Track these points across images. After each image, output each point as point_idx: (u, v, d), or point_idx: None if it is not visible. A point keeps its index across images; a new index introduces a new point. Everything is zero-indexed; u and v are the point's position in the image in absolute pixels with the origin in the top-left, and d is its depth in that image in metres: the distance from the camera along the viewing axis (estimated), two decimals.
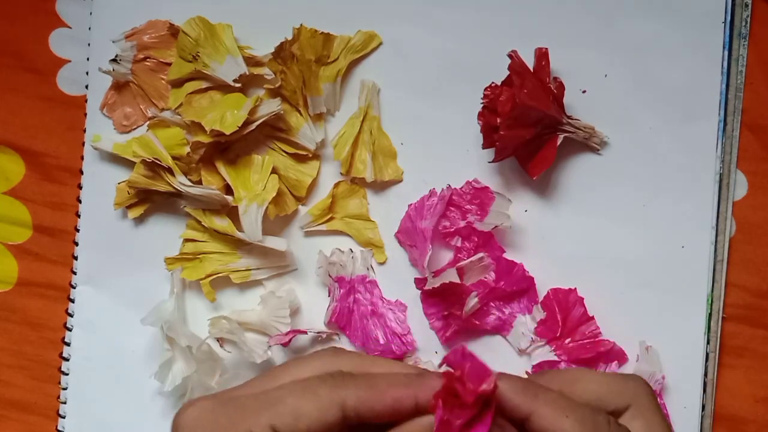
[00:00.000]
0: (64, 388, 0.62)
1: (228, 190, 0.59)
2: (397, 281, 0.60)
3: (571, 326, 0.58)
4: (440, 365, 0.54)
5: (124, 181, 0.60)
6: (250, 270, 0.60)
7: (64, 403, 0.62)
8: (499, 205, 0.57)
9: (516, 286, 0.58)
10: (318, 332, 0.59)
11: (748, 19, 0.58)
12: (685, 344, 0.58)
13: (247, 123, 0.57)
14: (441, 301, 0.58)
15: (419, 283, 0.58)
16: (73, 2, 0.62)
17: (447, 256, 0.59)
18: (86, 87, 0.62)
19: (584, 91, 0.58)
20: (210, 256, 0.60)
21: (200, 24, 0.59)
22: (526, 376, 0.47)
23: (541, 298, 0.58)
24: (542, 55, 0.56)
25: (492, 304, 0.58)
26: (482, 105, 0.56)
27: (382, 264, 0.60)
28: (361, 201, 0.60)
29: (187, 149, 0.58)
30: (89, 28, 0.62)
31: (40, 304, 0.63)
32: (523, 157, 0.57)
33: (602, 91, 0.58)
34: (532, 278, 0.58)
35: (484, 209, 0.58)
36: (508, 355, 0.59)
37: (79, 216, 0.62)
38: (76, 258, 0.62)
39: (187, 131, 0.60)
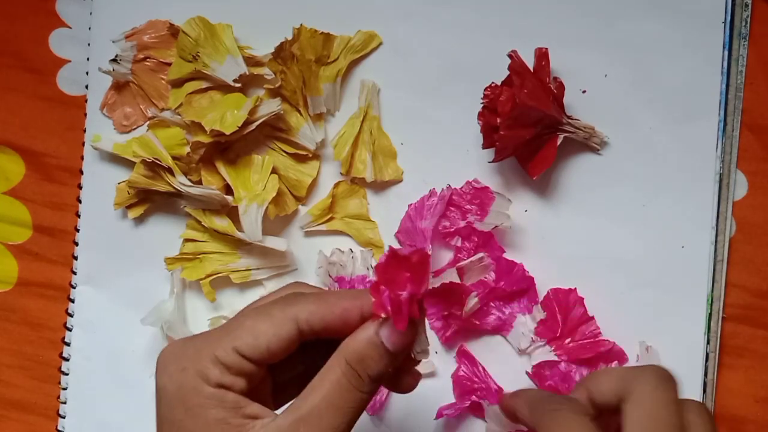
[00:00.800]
0: (64, 388, 0.62)
1: (228, 190, 0.59)
2: None
3: (572, 326, 0.58)
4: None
5: (124, 181, 0.60)
6: (250, 270, 0.60)
7: (64, 403, 0.62)
8: (499, 205, 0.57)
9: (516, 286, 0.58)
10: None
11: (748, 19, 0.58)
12: (685, 344, 0.58)
13: (247, 123, 0.57)
14: (441, 301, 0.58)
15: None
16: (73, 2, 0.62)
17: (447, 256, 0.59)
18: (86, 87, 0.62)
19: (584, 91, 0.58)
20: (210, 256, 0.60)
21: (200, 24, 0.59)
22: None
23: (541, 298, 0.58)
24: (542, 55, 0.56)
25: (492, 304, 0.58)
26: (482, 105, 0.56)
27: None
28: (361, 201, 0.60)
29: (187, 149, 0.58)
30: (89, 28, 0.62)
31: (40, 304, 0.63)
32: (523, 157, 0.57)
33: (602, 91, 0.58)
34: (532, 278, 0.58)
35: (484, 209, 0.58)
36: (508, 355, 0.59)
37: (79, 216, 0.62)
38: (76, 258, 0.62)
39: (187, 131, 0.60)
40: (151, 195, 0.60)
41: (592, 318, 0.58)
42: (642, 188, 0.58)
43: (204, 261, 0.60)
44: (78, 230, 0.62)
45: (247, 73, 0.58)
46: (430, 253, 0.41)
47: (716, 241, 0.58)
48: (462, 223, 0.58)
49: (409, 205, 0.59)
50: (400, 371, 0.44)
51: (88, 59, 0.62)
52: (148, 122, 0.61)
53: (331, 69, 0.59)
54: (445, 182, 0.58)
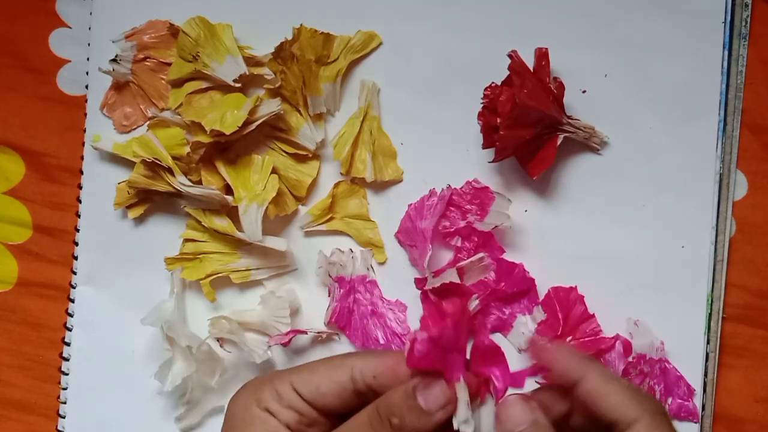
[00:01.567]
0: (64, 388, 0.62)
1: (228, 190, 0.59)
2: (397, 281, 0.60)
3: (572, 324, 0.58)
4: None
5: (124, 181, 0.60)
6: (250, 270, 0.60)
7: (64, 403, 0.62)
8: (499, 205, 0.57)
9: (516, 288, 0.58)
10: (318, 332, 0.59)
11: (748, 19, 0.58)
12: (685, 344, 0.58)
13: (247, 123, 0.57)
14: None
15: (419, 283, 0.58)
16: (73, 2, 0.62)
17: (447, 256, 0.59)
18: (86, 87, 0.62)
19: (584, 91, 0.58)
20: (210, 256, 0.60)
21: (200, 24, 0.59)
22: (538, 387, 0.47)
23: (541, 297, 0.58)
24: (542, 55, 0.56)
25: (492, 304, 0.58)
26: (482, 105, 0.56)
27: (382, 264, 0.60)
28: (361, 201, 0.60)
29: (187, 149, 0.58)
30: (89, 28, 0.62)
31: (40, 304, 0.63)
32: (523, 157, 0.57)
33: (602, 91, 0.58)
34: (533, 279, 0.58)
35: (484, 209, 0.58)
36: (508, 354, 0.58)
37: (79, 216, 0.62)
38: (76, 258, 0.62)
39: (187, 131, 0.60)
40: (151, 195, 0.60)
41: (593, 316, 0.58)
42: (642, 188, 0.58)
43: (204, 261, 0.60)
44: (78, 230, 0.62)
45: (247, 73, 0.58)
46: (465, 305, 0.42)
47: (716, 241, 0.58)
48: (462, 223, 0.58)
49: (409, 205, 0.59)
50: None
51: (88, 59, 0.62)
52: (148, 122, 0.61)
53: (331, 69, 0.59)
54: (445, 182, 0.58)
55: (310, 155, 0.60)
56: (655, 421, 0.41)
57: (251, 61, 0.59)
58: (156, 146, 0.59)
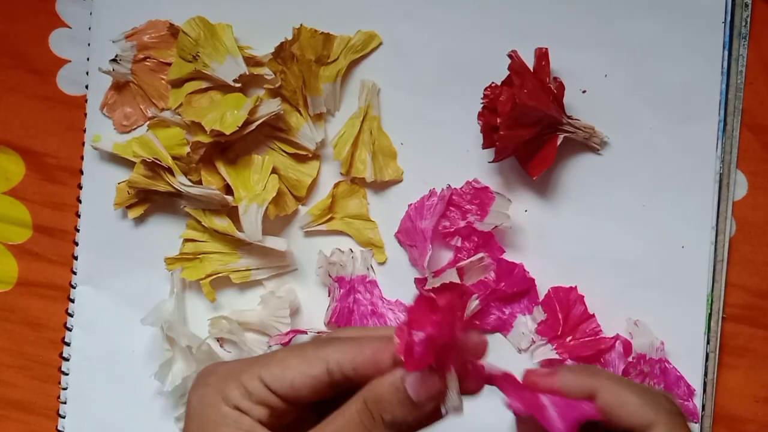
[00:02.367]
0: (64, 388, 0.62)
1: (228, 190, 0.59)
2: (397, 281, 0.60)
3: (572, 324, 0.58)
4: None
5: (124, 181, 0.60)
6: (250, 270, 0.60)
7: (64, 403, 0.62)
8: (499, 205, 0.57)
9: (516, 288, 0.58)
10: (318, 332, 0.59)
11: (748, 19, 0.58)
12: (685, 344, 0.58)
13: (247, 123, 0.57)
14: None
15: (419, 283, 0.58)
16: (73, 2, 0.62)
17: (447, 256, 0.59)
18: (86, 87, 0.62)
19: (584, 91, 0.58)
20: (210, 256, 0.60)
21: (200, 24, 0.59)
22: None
23: (541, 297, 0.58)
24: (542, 55, 0.56)
25: (492, 304, 0.58)
26: (482, 105, 0.56)
27: (382, 264, 0.60)
28: (361, 201, 0.60)
29: (187, 149, 0.58)
30: (89, 28, 0.62)
31: (40, 304, 0.63)
32: (523, 157, 0.57)
33: (602, 91, 0.58)
34: (533, 279, 0.58)
35: (484, 209, 0.58)
36: (508, 353, 0.59)
37: (79, 216, 0.62)
38: (76, 258, 0.62)
39: (187, 131, 0.60)
40: (151, 195, 0.60)
41: (593, 316, 0.58)
42: (642, 188, 0.58)
43: (204, 261, 0.60)
44: (78, 230, 0.62)
45: (247, 73, 0.58)
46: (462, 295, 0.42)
47: (716, 241, 0.58)
48: (462, 223, 0.58)
49: (409, 205, 0.59)
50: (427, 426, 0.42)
51: (88, 59, 0.62)
52: (148, 122, 0.61)
53: (331, 69, 0.59)
54: (445, 182, 0.58)
55: (310, 155, 0.60)
56: (671, 422, 0.40)
57: (251, 61, 0.59)
58: (156, 146, 0.59)
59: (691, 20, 0.58)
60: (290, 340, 0.57)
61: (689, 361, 0.58)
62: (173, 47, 0.60)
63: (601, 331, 0.58)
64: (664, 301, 0.58)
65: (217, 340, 0.60)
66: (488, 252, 0.58)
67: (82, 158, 0.62)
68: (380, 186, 0.60)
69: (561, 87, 0.56)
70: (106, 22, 0.61)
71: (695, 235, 0.58)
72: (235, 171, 0.59)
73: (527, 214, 0.59)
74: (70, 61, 0.63)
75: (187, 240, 0.60)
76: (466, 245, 0.58)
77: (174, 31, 0.60)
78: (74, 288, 0.62)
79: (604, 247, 0.58)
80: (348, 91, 0.60)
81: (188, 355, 0.57)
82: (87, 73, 0.62)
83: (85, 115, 0.62)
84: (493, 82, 0.56)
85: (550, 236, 0.59)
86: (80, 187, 0.62)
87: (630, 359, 0.57)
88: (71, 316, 0.62)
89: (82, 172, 0.62)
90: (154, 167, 0.58)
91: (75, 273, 0.62)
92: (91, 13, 0.62)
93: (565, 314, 0.58)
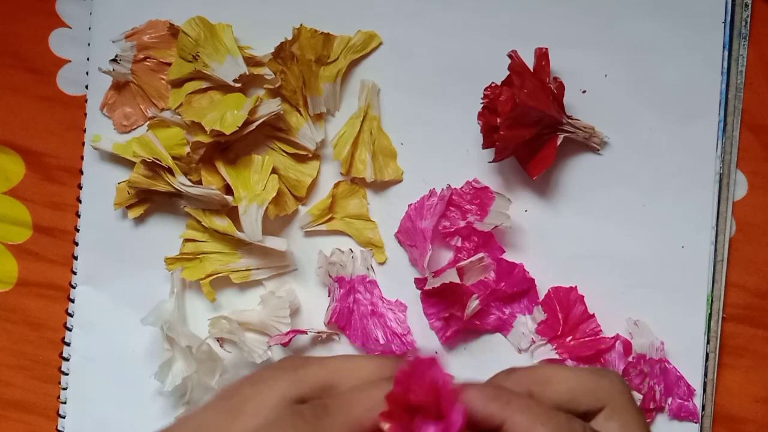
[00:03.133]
0: (64, 388, 0.62)
1: (228, 190, 0.59)
2: (397, 281, 0.60)
3: (572, 324, 0.58)
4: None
5: (124, 181, 0.60)
6: (250, 270, 0.60)
7: (64, 403, 0.62)
8: (499, 205, 0.57)
9: (517, 288, 0.58)
10: (318, 332, 0.59)
11: (748, 19, 0.58)
12: (685, 344, 0.58)
13: (247, 123, 0.57)
14: (441, 300, 0.58)
15: (419, 283, 0.58)
16: (73, 2, 0.62)
17: (447, 256, 0.59)
18: (86, 87, 0.62)
19: (584, 91, 0.58)
20: (210, 256, 0.60)
21: (200, 24, 0.59)
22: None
23: (541, 297, 0.58)
24: (542, 55, 0.56)
25: (492, 304, 0.58)
26: (482, 105, 0.56)
27: (382, 264, 0.60)
28: (361, 201, 0.60)
29: (187, 149, 0.58)
30: (89, 28, 0.62)
31: (40, 304, 0.63)
32: (523, 157, 0.57)
33: (602, 91, 0.58)
34: (533, 279, 0.58)
35: (484, 209, 0.58)
36: (508, 353, 0.59)
37: (79, 216, 0.62)
38: (76, 258, 0.62)
39: (187, 131, 0.60)
40: (151, 195, 0.60)
41: (593, 316, 0.58)
42: (642, 188, 0.58)
43: (204, 261, 0.60)
44: (78, 230, 0.62)
45: (247, 73, 0.58)
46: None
47: (716, 241, 0.58)
48: (462, 223, 0.58)
49: (409, 205, 0.59)
50: None
51: (88, 59, 0.62)
52: (148, 122, 0.61)
53: (331, 69, 0.59)
54: (445, 182, 0.58)
55: (310, 155, 0.60)
56: (623, 402, 0.39)
57: (251, 61, 0.59)
58: (156, 146, 0.59)
59: (691, 20, 0.58)
60: (290, 340, 0.57)
61: (689, 361, 0.58)
62: (173, 47, 0.60)
63: (601, 331, 0.58)
64: (664, 300, 0.58)
65: (218, 340, 0.59)
66: (488, 252, 0.58)
67: (82, 158, 0.62)
68: (380, 186, 0.60)
69: (561, 87, 0.56)
70: (106, 22, 0.61)
71: (695, 235, 0.58)
72: (235, 171, 0.59)
73: (527, 214, 0.59)
74: (70, 61, 0.63)
75: (187, 240, 0.60)
76: (466, 245, 0.58)
77: (174, 31, 0.60)
78: (74, 288, 0.62)
79: (604, 247, 0.58)
80: (348, 91, 0.60)
81: (188, 355, 0.57)
82: (87, 73, 0.62)
83: (85, 115, 0.62)
84: (493, 82, 0.56)
85: (550, 236, 0.59)
86: (80, 187, 0.62)
87: (630, 359, 0.57)
88: (71, 316, 0.62)
89: (82, 172, 0.62)
90: (154, 167, 0.58)
91: (75, 273, 0.62)
92: (91, 13, 0.62)
93: (565, 314, 0.58)
